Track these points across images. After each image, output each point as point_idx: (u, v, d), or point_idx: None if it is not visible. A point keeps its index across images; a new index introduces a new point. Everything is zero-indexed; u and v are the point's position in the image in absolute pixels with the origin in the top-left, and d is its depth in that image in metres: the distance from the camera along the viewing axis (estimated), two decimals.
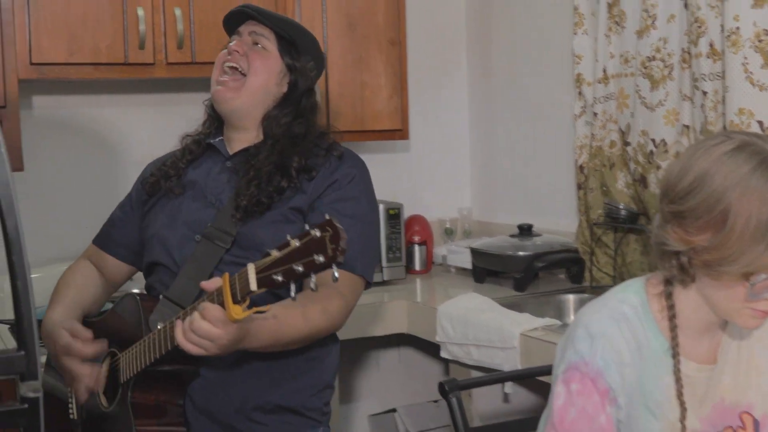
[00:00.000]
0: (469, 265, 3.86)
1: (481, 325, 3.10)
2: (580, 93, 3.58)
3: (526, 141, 4.09)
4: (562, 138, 3.84)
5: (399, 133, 3.87)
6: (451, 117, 4.38)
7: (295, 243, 1.75)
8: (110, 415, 2.24)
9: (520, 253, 3.60)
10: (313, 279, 1.74)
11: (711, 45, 2.96)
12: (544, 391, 3.25)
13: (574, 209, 3.75)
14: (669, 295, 1.75)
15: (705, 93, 2.98)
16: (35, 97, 3.66)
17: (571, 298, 3.54)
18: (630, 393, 1.72)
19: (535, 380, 2.94)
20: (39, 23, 3.26)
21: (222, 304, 1.87)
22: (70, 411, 2.38)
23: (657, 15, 3.17)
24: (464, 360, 3.18)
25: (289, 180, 2.29)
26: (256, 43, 2.38)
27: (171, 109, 3.81)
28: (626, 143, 3.38)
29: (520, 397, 3.26)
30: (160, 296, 2.25)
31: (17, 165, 3.20)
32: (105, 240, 2.53)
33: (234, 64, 2.36)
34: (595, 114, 3.50)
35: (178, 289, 2.24)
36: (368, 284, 2.34)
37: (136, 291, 2.54)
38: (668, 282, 1.75)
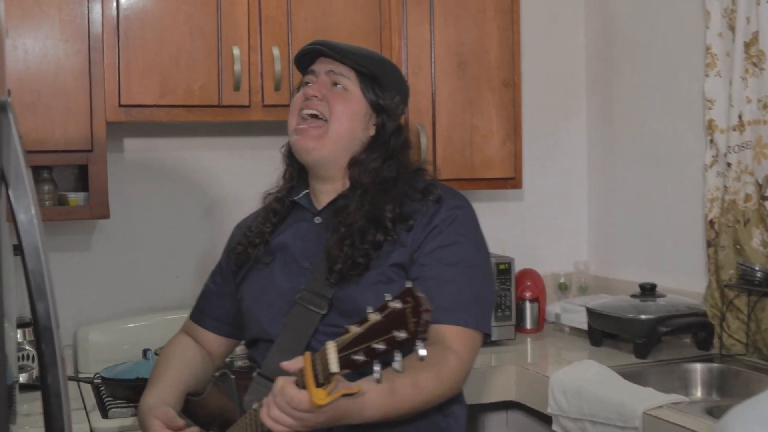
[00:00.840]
0: (584, 326, 3.55)
1: (599, 400, 2.80)
2: (711, 141, 3.27)
3: (649, 192, 3.78)
4: (690, 189, 3.53)
5: (511, 181, 3.59)
6: (569, 164, 4.10)
7: (375, 317, 1.58)
8: None
9: (642, 317, 3.27)
10: (398, 358, 1.56)
11: None
12: None
13: (703, 268, 3.41)
14: None
15: None
16: (126, 140, 3.50)
17: (698, 368, 3.19)
18: None
19: None
20: (129, 63, 3.09)
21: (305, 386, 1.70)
22: None
23: None
24: None
25: (386, 233, 2.06)
26: (336, 84, 2.16)
27: (267, 153, 3.57)
28: (764, 197, 3.06)
29: None
30: (254, 373, 2.08)
31: (103, 211, 3.07)
32: (200, 315, 2.38)
33: (313, 111, 2.14)
34: (729, 164, 3.19)
35: (272, 365, 2.03)
36: (487, 336, 2.10)
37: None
38: None
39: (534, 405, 3.17)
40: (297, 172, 2.26)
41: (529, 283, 3.81)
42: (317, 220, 2.19)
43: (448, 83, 3.49)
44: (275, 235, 2.22)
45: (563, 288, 3.99)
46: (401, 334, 1.54)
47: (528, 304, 3.79)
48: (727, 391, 3.10)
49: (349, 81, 2.16)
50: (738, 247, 3.19)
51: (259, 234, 2.23)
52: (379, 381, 1.62)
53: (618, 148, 3.95)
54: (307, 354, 1.71)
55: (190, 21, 3.13)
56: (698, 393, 3.16)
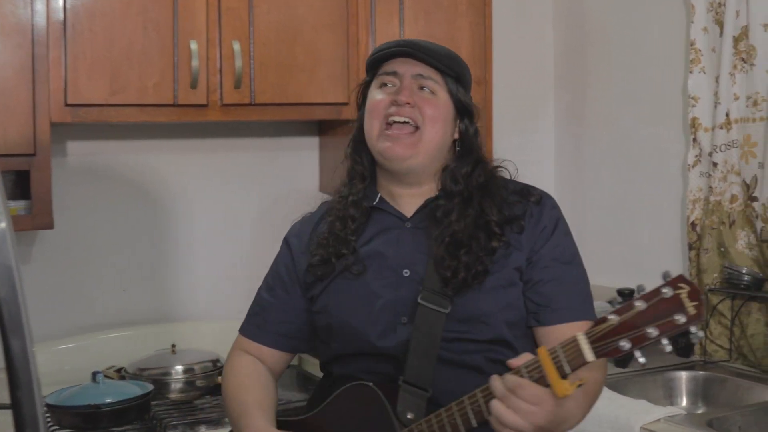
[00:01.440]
0: None
1: (592, 415, 2.66)
2: (694, 140, 3.22)
3: (623, 193, 3.72)
4: (668, 191, 3.49)
5: None
6: (536, 165, 4.01)
7: (641, 305, 1.64)
8: None
9: None
10: (666, 342, 1.64)
11: None
12: None
13: (683, 272, 3.32)
14: None
15: None
16: (70, 143, 3.29)
17: (683, 376, 3.12)
18: None
19: None
20: (77, 59, 2.88)
21: (539, 381, 1.72)
22: None
23: None
24: None
25: (498, 238, 2.04)
26: (422, 87, 2.08)
27: (226, 157, 3.47)
28: (752, 198, 3.02)
29: None
30: (400, 382, 2.00)
31: (47, 221, 2.87)
32: (260, 331, 2.25)
33: (405, 119, 2.05)
34: (715, 164, 3.14)
35: (414, 372, 1.99)
36: None
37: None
38: None
39: None
40: (369, 174, 2.18)
41: None
42: (408, 225, 2.13)
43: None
44: (360, 243, 2.14)
45: None
46: (681, 318, 1.60)
47: None
48: (713, 399, 3.05)
49: (437, 84, 2.09)
50: (722, 249, 3.16)
51: (344, 242, 2.12)
52: (645, 364, 1.69)
53: (588, 148, 3.90)
54: (543, 347, 1.73)
55: (143, 13, 2.94)
56: (683, 402, 3.09)
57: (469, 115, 2.14)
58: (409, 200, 2.12)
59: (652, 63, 3.54)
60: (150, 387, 2.85)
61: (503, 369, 1.98)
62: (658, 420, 2.59)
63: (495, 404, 1.74)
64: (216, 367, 3.04)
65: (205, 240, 3.46)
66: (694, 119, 3.21)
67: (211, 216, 3.48)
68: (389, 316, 2.05)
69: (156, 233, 3.40)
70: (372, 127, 2.09)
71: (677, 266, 3.39)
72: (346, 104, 3.20)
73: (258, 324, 2.26)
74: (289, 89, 3.13)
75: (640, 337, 1.64)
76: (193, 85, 2.99)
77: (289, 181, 3.56)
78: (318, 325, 2.16)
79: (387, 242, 2.12)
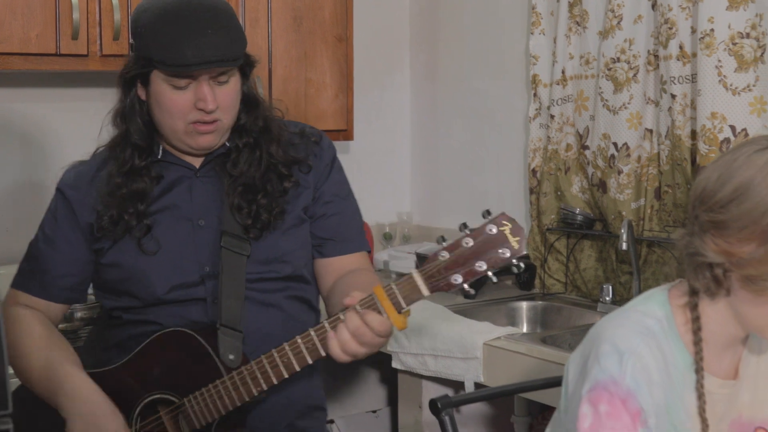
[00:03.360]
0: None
1: (440, 336, 2.98)
2: (535, 95, 3.50)
3: (473, 144, 3.99)
4: (512, 141, 3.77)
5: (344, 133, 3.73)
6: (393, 119, 4.26)
7: (469, 242, 1.79)
8: None
9: None
10: (492, 273, 1.79)
11: (681, 47, 2.92)
12: (500, 405, 3.19)
13: (525, 215, 3.67)
14: (694, 307, 1.65)
15: (674, 96, 2.93)
16: None
17: (524, 306, 3.47)
18: (658, 413, 1.62)
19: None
20: None
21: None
22: None
23: (623, 15, 3.10)
24: (419, 370, 3.07)
25: (289, 179, 2.15)
26: (215, 77, 2.09)
27: (107, 106, 3.59)
28: (584, 147, 3.32)
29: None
30: (218, 325, 2.08)
31: None
32: (41, 286, 2.22)
33: (212, 120, 2.10)
34: (552, 116, 3.43)
35: (227, 315, 2.09)
36: None
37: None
38: (694, 293, 1.65)
39: None
40: (147, 132, 2.17)
41: None
42: (198, 175, 2.19)
43: (283, 37, 3.57)
44: (152, 197, 2.17)
45: (388, 237, 4.17)
46: (506, 253, 1.75)
47: None
48: (550, 324, 3.37)
49: (231, 74, 2.11)
50: (559, 193, 3.44)
51: (133, 198, 2.14)
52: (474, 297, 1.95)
53: (441, 103, 4.14)
54: (378, 286, 1.84)
55: None
56: (524, 327, 3.41)
57: (249, 73, 2.17)
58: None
59: (499, 25, 3.79)
60: None
61: (302, 305, 2.20)
62: (499, 338, 2.86)
63: (343, 335, 1.84)
64: None
65: None
66: (534, 76, 3.47)
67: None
68: (190, 266, 2.12)
69: (37, 180, 3.48)
70: (174, 125, 2.09)
71: (520, 209, 3.69)
72: None
73: (38, 278, 2.21)
74: None
75: (470, 271, 1.78)
76: (75, 36, 3.13)
77: None
78: (107, 278, 2.18)
79: (178, 194, 2.16)
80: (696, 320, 1.65)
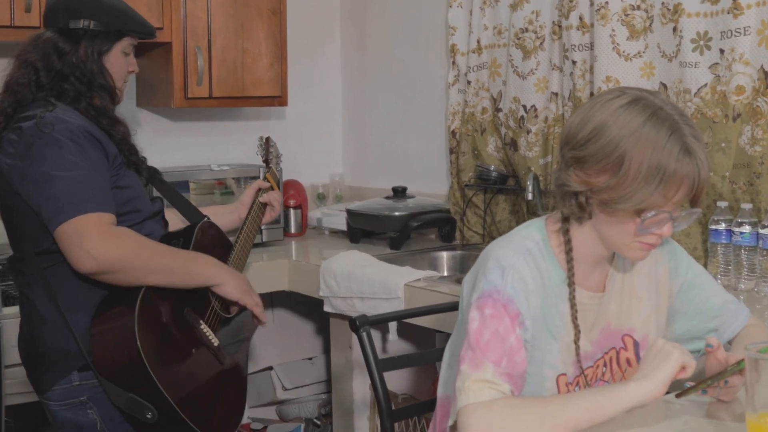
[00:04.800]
0: (343, 227, 4.03)
1: (366, 279, 3.26)
2: (454, 63, 3.79)
3: (399, 109, 4.27)
4: (434, 106, 4.04)
5: (278, 99, 4.00)
6: (325, 87, 4.54)
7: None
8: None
9: (396, 213, 3.78)
10: None
11: (581, 18, 3.21)
12: (420, 339, 3.47)
13: (446, 173, 3.96)
14: (566, 232, 1.96)
15: (574, 62, 3.23)
16: None
17: (444, 255, 3.77)
18: (534, 317, 1.91)
19: (414, 328, 3.16)
20: None
21: None
22: (211, 339, 2.62)
23: None
24: (348, 312, 3.33)
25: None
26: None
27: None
28: (498, 110, 3.61)
29: (398, 344, 3.48)
30: (205, 219, 2.80)
31: None
32: (111, 203, 2.49)
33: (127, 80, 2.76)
34: (469, 82, 3.72)
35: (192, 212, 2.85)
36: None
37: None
38: (566, 220, 1.96)
39: (305, 292, 3.61)
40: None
41: (292, 192, 4.22)
42: None
43: (221, 11, 3.84)
44: None
45: (321, 198, 4.46)
46: None
47: (292, 211, 4.21)
48: (468, 270, 3.60)
49: None
50: (476, 152, 3.74)
51: (126, 133, 2.64)
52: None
53: (369, 72, 4.42)
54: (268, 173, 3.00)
55: None
56: (445, 273, 3.72)
57: None
58: None
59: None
60: None
61: None
62: (419, 279, 3.16)
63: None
64: None
65: None
66: (453, 46, 3.76)
67: None
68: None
69: None
70: (117, 84, 2.65)
71: (441, 167, 3.99)
72: (160, 28, 3.62)
73: (104, 199, 2.43)
74: None
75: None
76: (27, 9, 3.36)
77: None
78: (119, 199, 2.51)
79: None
80: (568, 242, 1.96)
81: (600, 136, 1.84)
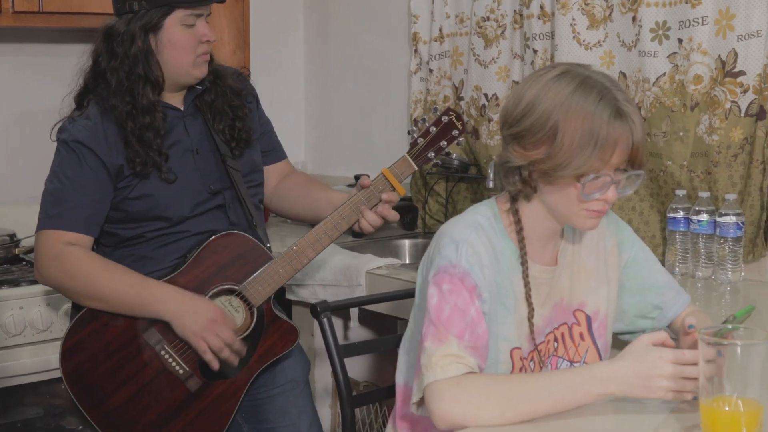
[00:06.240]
0: None
1: (327, 266, 3.27)
2: (416, 51, 3.80)
3: (361, 97, 4.28)
4: (397, 94, 4.05)
5: None
6: (288, 74, 4.54)
7: (434, 130, 2.60)
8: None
9: None
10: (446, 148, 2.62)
11: (542, 7, 3.24)
12: (381, 326, 3.49)
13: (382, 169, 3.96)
14: (515, 212, 2.01)
15: (536, 51, 3.26)
16: None
17: (406, 243, 3.79)
18: (490, 290, 1.95)
19: (375, 315, 3.19)
20: None
21: (384, 189, 2.61)
22: (173, 364, 2.53)
23: None
24: (310, 300, 3.31)
25: (244, 106, 2.69)
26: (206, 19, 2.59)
27: (21, 60, 3.83)
28: (459, 98, 3.63)
29: (360, 332, 3.49)
30: (254, 224, 2.66)
31: None
32: (80, 222, 2.51)
33: (207, 51, 2.59)
34: (431, 71, 3.74)
35: (248, 218, 2.65)
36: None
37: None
38: (514, 200, 2.01)
39: None
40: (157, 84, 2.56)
41: None
42: (186, 114, 2.62)
43: None
44: (165, 139, 2.56)
45: None
46: (456, 133, 2.60)
47: None
48: None
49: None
50: None
51: (151, 139, 2.51)
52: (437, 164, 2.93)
53: (332, 60, 4.42)
54: (385, 168, 2.61)
55: None
56: (407, 260, 3.74)
57: None
58: (178, 98, 2.62)
59: None
60: None
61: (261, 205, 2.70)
62: (380, 267, 3.18)
63: (368, 214, 2.58)
64: (12, 240, 3.50)
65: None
66: (415, 34, 3.77)
67: (4, 108, 3.86)
68: (200, 186, 2.57)
69: None
70: (187, 59, 2.53)
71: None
72: None
73: (74, 216, 2.47)
74: (73, 0, 3.50)
75: (437, 148, 2.59)
76: None
77: (70, 81, 3.93)
78: (134, 210, 2.52)
79: (178, 133, 2.58)
80: (518, 222, 2.01)
81: (533, 110, 1.90)
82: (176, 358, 2.51)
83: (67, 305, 3.14)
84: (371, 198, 2.61)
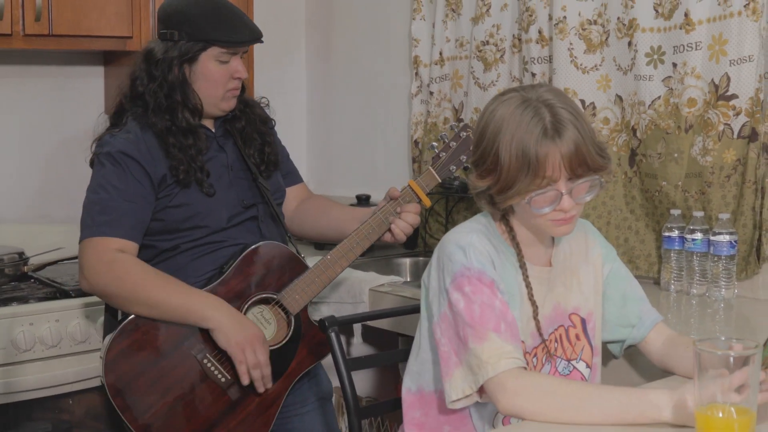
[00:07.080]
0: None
1: (332, 284, 3.30)
2: (416, 74, 3.87)
3: (363, 119, 4.34)
4: (398, 116, 4.12)
5: None
6: (291, 96, 4.60)
7: (454, 144, 2.77)
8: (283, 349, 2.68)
9: None
10: (464, 158, 2.76)
11: (540, 32, 3.32)
12: (383, 342, 3.55)
13: (408, 181, 4.01)
14: (507, 222, 2.12)
15: (534, 75, 3.34)
16: None
17: (407, 261, 3.86)
18: (501, 286, 2.04)
19: (378, 332, 3.26)
20: None
21: (411, 200, 2.78)
22: (216, 374, 2.59)
23: (491, 4, 3.52)
24: (314, 316, 3.35)
25: (270, 132, 2.86)
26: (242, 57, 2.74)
27: (29, 81, 3.89)
28: (459, 120, 3.70)
29: (362, 348, 3.57)
30: (288, 236, 2.86)
31: None
32: (129, 229, 2.59)
33: (237, 87, 2.75)
34: (431, 93, 3.81)
35: (269, 228, 2.78)
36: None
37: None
38: (504, 214, 2.12)
39: None
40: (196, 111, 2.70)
41: None
42: (218, 136, 2.77)
43: None
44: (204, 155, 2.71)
45: None
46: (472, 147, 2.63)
47: None
48: None
49: None
50: None
51: (195, 157, 2.65)
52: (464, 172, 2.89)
53: (334, 82, 4.48)
54: (411, 181, 2.78)
55: None
56: (407, 278, 3.80)
57: None
58: (205, 120, 2.75)
59: (386, 11, 4.15)
60: None
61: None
62: (383, 284, 3.25)
63: (399, 222, 2.74)
64: (21, 258, 3.56)
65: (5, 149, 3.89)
66: (416, 57, 3.84)
67: (15, 136, 3.91)
68: (235, 200, 2.71)
69: None
70: (216, 92, 2.68)
71: (404, 176, 4.05)
72: (130, 38, 3.68)
73: (123, 224, 2.56)
74: (82, 23, 3.57)
75: (458, 162, 2.75)
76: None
77: (77, 102, 4.00)
78: (173, 218, 2.63)
79: (214, 151, 2.73)
80: (510, 230, 2.11)
81: (482, 139, 2.02)
82: (218, 366, 2.58)
83: (77, 321, 3.22)
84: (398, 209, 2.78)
